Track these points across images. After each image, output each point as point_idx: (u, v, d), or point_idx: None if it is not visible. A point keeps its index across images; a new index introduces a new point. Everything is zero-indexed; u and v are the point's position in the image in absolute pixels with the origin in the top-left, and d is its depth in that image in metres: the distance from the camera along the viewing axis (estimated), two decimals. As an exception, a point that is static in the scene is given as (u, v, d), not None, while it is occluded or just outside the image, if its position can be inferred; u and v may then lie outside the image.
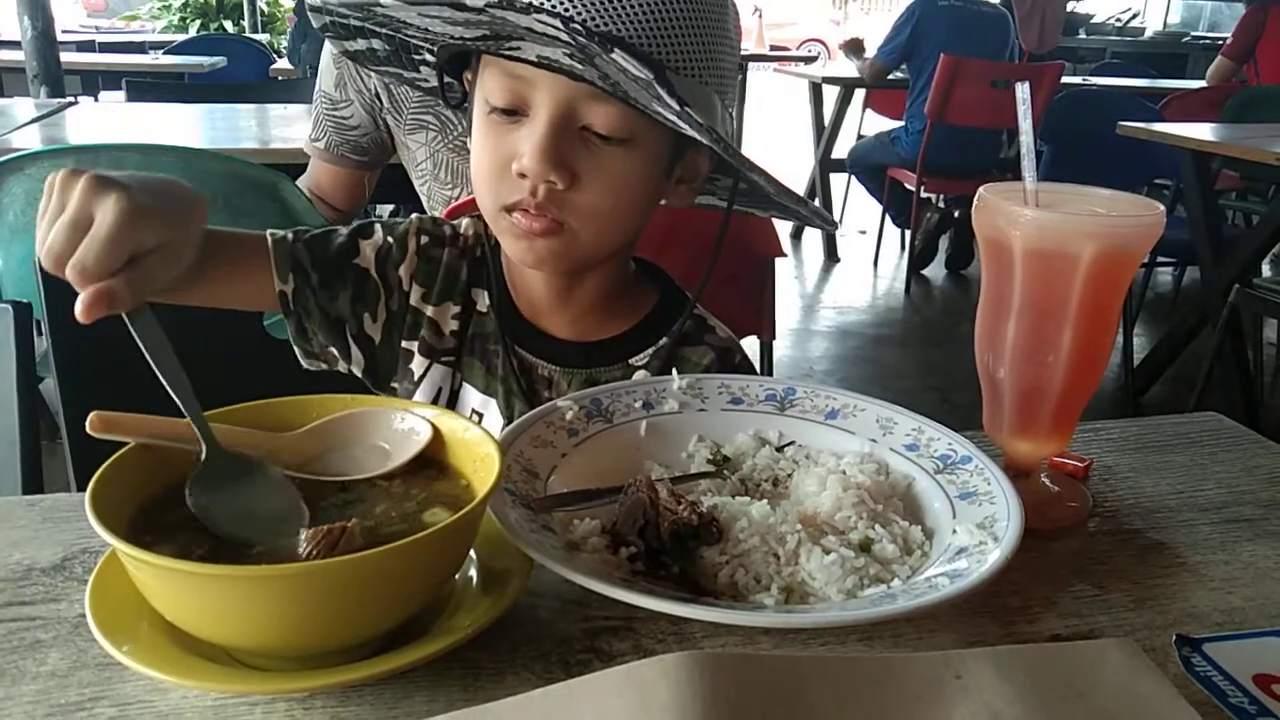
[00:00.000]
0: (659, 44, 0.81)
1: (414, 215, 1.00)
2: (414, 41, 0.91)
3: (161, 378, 0.63)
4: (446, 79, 0.94)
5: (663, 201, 0.94)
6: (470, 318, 0.99)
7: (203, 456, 0.62)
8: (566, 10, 0.79)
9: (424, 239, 0.98)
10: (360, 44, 0.93)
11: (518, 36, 0.79)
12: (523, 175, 0.83)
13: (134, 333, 0.65)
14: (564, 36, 0.74)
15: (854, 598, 0.62)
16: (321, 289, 0.93)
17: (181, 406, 0.62)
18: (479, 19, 0.77)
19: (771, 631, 0.62)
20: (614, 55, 0.75)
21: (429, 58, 0.94)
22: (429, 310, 0.97)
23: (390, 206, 3.74)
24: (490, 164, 0.87)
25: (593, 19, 0.79)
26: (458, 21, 0.80)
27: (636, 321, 0.99)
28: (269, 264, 0.91)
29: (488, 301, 0.98)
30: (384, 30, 0.89)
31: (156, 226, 0.68)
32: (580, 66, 0.78)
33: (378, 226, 0.98)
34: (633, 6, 0.79)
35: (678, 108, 0.76)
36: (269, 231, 0.93)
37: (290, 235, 0.93)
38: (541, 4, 0.78)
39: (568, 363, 0.96)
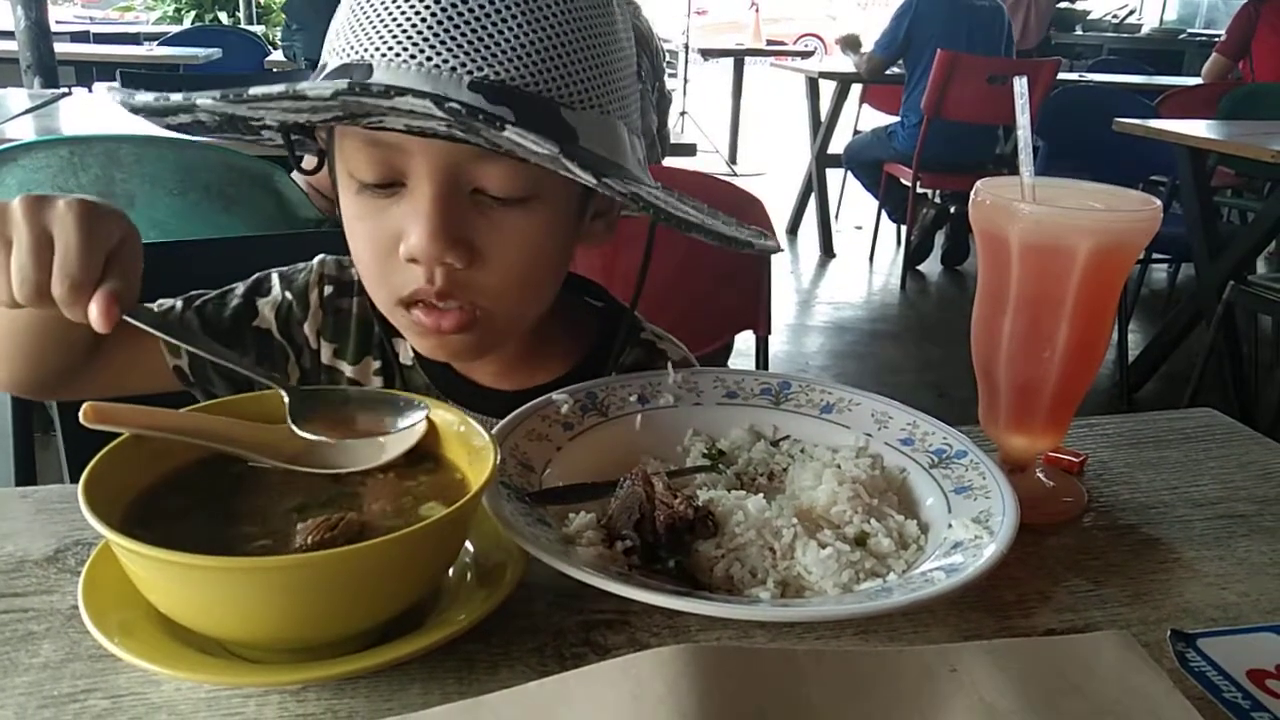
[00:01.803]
0: (549, 80, 0.69)
1: (316, 259, 0.91)
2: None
3: (199, 351, 0.69)
4: (296, 136, 0.81)
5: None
6: (394, 371, 0.90)
7: (285, 399, 0.66)
8: (436, 60, 0.67)
9: (328, 289, 0.89)
10: (183, 118, 0.76)
11: (379, 113, 0.66)
12: (414, 260, 0.72)
13: (144, 327, 0.65)
14: (439, 114, 0.62)
15: (850, 592, 0.62)
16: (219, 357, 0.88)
17: (234, 366, 0.68)
18: (329, 104, 0.65)
19: (767, 625, 0.62)
20: (507, 133, 0.62)
21: (271, 122, 0.79)
22: (348, 369, 0.89)
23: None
24: (373, 252, 0.75)
25: (467, 63, 0.67)
26: (301, 110, 0.68)
27: (577, 360, 0.91)
28: (157, 339, 0.83)
29: (411, 353, 0.89)
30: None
31: (112, 218, 0.66)
32: (461, 133, 0.66)
33: (275, 280, 0.90)
34: (514, 42, 0.68)
35: (594, 180, 0.65)
36: (156, 304, 0.87)
37: (179, 304, 0.87)
38: (402, 86, 0.63)
39: (506, 416, 0.83)
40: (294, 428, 0.64)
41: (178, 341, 0.69)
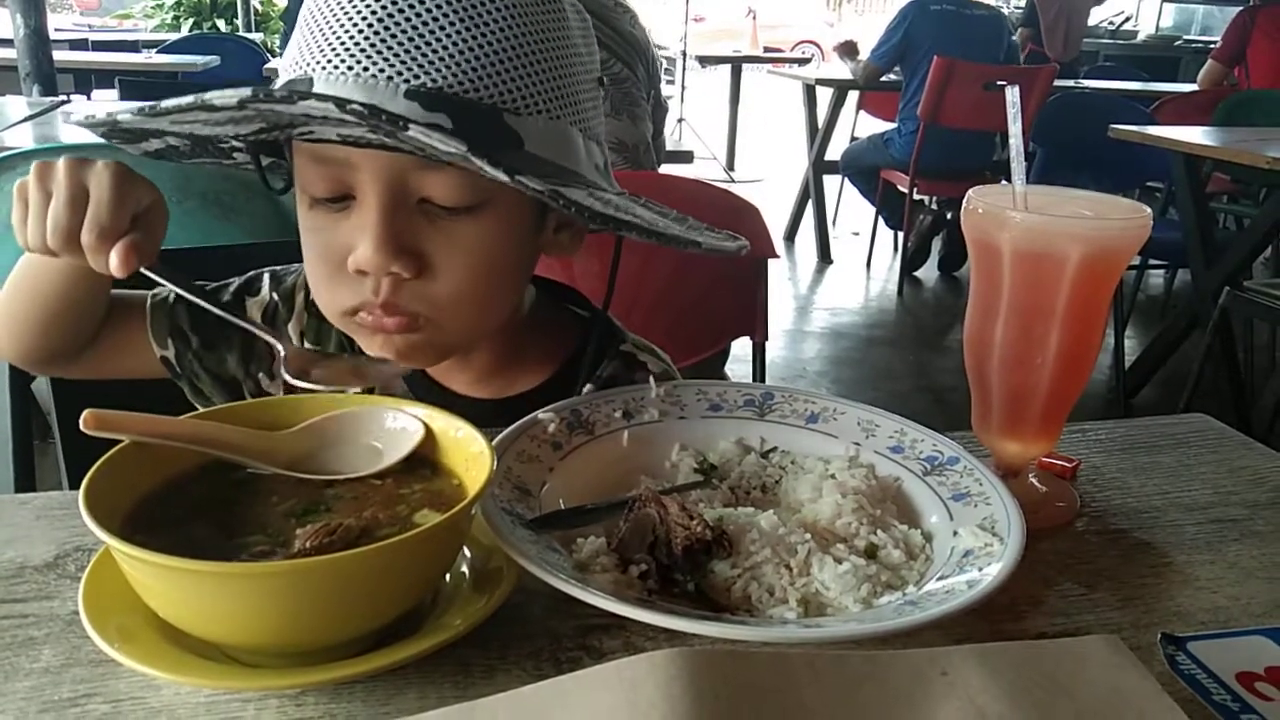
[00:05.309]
0: (490, 85, 0.69)
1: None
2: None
3: (206, 306, 0.75)
4: (270, 158, 0.82)
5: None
6: None
7: (282, 354, 0.73)
8: (373, 70, 0.67)
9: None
10: (155, 144, 0.78)
11: (300, 123, 0.67)
12: (362, 271, 0.73)
13: (161, 280, 0.73)
14: (346, 116, 0.61)
15: (870, 607, 0.61)
16: (205, 351, 0.89)
17: (237, 320, 0.77)
18: (245, 114, 0.66)
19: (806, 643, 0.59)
20: (411, 132, 0.61)
21: (238, 143, 0.80)
22: None
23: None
24: (323, 265, 0.76)
25: (404, 71, 0.67)
26: (221, 121, 0.69)
27: (555, 369, 0.90)
28: (146, 328, 0.88)
29: None
30: (170, 130, 0.75)
31: (143, 184, 0.71)
32: (391, 139, 0.66)
33: (265, 280, 0.93)
34: (452, 49, 0.67)
35: (506, 178, 0.64)
36: (151, 292, 0.89)
37: (171, 296, 0.89)
38: (304, 90, 0.64)
39: (484, 424, 0.83)
40: (286, 377, 0.70)
41: (186, 294, 0.75)
